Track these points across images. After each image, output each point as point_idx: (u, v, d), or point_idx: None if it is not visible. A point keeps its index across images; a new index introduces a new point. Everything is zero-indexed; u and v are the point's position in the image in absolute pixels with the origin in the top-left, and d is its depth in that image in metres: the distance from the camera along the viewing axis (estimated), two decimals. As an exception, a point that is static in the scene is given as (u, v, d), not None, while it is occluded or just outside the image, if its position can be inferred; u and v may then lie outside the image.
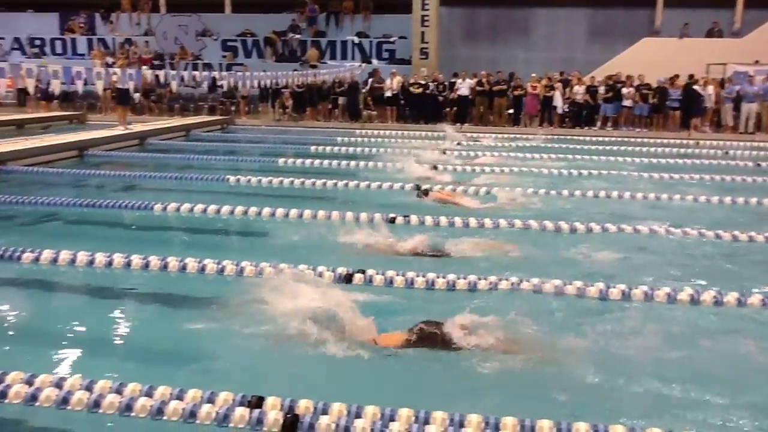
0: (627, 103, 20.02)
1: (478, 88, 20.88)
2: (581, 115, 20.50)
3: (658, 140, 18.04)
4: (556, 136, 18.83)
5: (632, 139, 18.21)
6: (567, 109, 20.51)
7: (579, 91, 20.26)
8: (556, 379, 4.30)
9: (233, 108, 22.74)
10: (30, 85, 12.73)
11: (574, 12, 24.73)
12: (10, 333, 4.93)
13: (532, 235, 7.79)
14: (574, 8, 24.66)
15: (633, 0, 23.91)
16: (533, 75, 20.60)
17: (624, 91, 19.95)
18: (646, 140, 18.05)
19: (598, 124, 20.39)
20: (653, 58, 20.47)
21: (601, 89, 20.20)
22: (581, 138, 18.60)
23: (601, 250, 7.08)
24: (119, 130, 16.12)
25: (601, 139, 18.49)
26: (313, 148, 15.33)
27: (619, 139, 18.46)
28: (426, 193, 9.70)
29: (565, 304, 5.65)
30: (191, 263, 6.24)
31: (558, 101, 20.23)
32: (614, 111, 20.23)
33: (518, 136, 18.75)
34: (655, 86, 19.75)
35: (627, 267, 6.65)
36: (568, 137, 18.77)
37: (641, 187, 10.89)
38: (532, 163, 13.68)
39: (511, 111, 21.10)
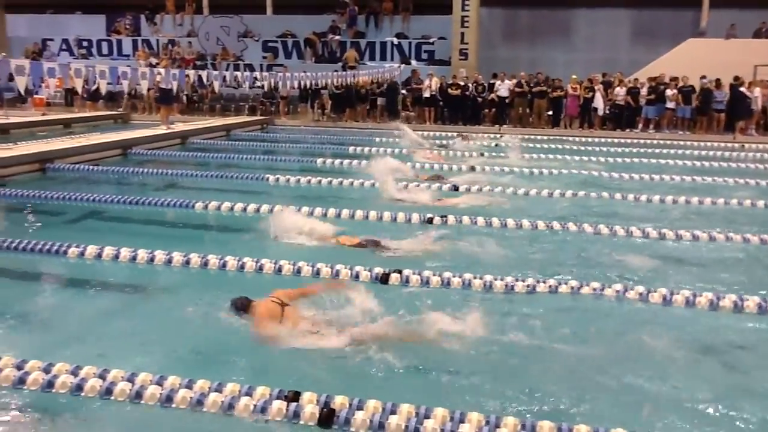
0: (670, 105, 19.67)
1: (518, 90, 20.74)
2: (622, 117, 20.21)
3: (702, 143, 17.68)
4: (595, 138, 18.62)
5: (675, 142, 17.89)
6: (608, 111, 20.23)
7: (620, 92, 19.97)
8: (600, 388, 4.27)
9: (273, 108, 22.99)
10: (78, 85, 13.04)
11: (616, 13, 24.39)
12: (56, 325, 5.07)
13: (569, 237, 7.72)
14: (616, 9, 24.32)
15: (678, 0, 23.47)
16: (573, 76, 20.37)
17: (668, 92, 19.60)
18: (689, 143, 17.72)
19: (640, 126, 20.07)
20: (698, 59, 20.05)
21: (644, 91, 19.87)
22: (621, 140, 18.33)
23: (640, 256, 6.98)
24: (162, 130, 16.44)
25: (642, 141, 18.21)
26: (351, 148, 15.42)
27: (662, 141, 18.15)
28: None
29: (609, 307, 5.59)
30: (231, 261, 6.34)
31: (599, 103, 19.97)
32: (657, 113, 19.89)
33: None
34: (699, 88, 19.36)
35: (666, 273, 6.53)
36: (608, 139, 18.53)
37: (684, 190, 10.70)
38: (570, 164, 13.55)
39: (550, 112, 20.91)
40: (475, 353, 4.63)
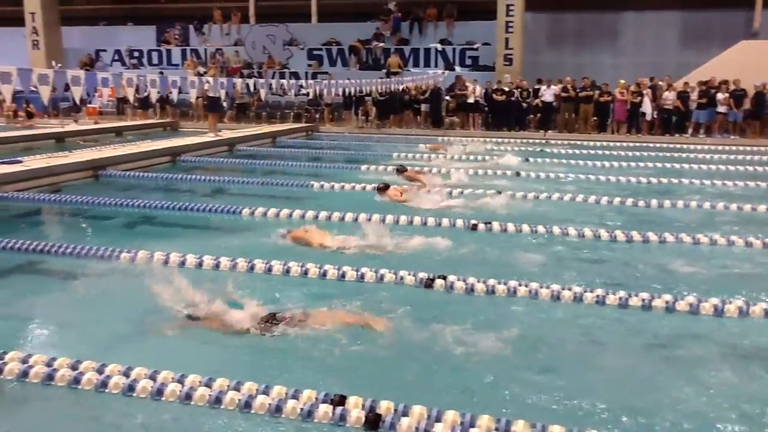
0: (721, 109, 19.19)
1: (563, 95, 20.51)
2: (671, 122, 19.79)
3: (754, 148, 17.20)
4: (644, 144, 18.29)
5: (726, 147, 17.44)
6: (656, 116, 19.85)
7: (669, 97, 19.56)
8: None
9: (318, 115, 23.22)
10: (130, 94, 13.40)
11: (665, 15, 23.94)
12: (108, 328, 5.20)
13: (616, 246, 7.60)
14: (665, 11, 23.88)
15: (729, 1, 22.89)
16: (621, 81, 20.05)
17: (719, 96, 19.13)
18: (741, 148, 17.26)
19: (690, 131, 19.62)
20: (751, 61, 19.51)
21: (694, 95, 19.43)
22: (671, 145, 17.96)
23: (690, 264, 6.83)
24: (210, 137, 16.76)
25: (692, 146, 17.82)
26: (395, 155, 15.46)
27: (712, 146, 17.73)
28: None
29: (658, 317, 5.49)
30: (276, 266, 6.42)
31: (647, 107, 19.60)
32: (707, 117, 19.42)
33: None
34: (752, 91, 18.85)
35: (717, 282, 6.37)
36: (657, 144, 18.18)
37: (736, 197, 10.43)
38: (618, 170, 13.34)
39: (594, 118, 20.60)
40: (520, 362, 4.60)
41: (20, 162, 11.34)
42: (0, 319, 5.25)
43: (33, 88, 12.12)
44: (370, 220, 8.46)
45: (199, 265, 6.57)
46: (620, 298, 5.67)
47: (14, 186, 10.18)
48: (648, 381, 4.37)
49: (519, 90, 21.06)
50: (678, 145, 18.01)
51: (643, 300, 5.64)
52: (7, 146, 15.43)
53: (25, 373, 4.22)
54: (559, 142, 18.67)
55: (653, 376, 4.46)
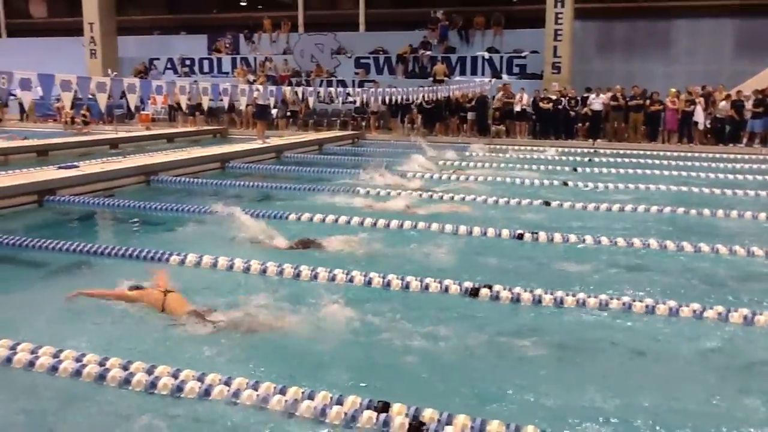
0: (779, 118, 18.63)
1: (613, 103, 20.19)
2: (725, 132, 19.28)
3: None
4: (696, 153, 17.87)
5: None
6: (709, 125, 19.37)
7: (723, 106, 19.07)
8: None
9: (364, 123, 23.35)
10: (182, 101, 13.73)
11: (719, 23, 23.37)
12: (156, 330, 5.31)
13: (666, 257, 7.45)
14: (720, 19, 23.30)
15: (787, 8, 22.26)
16: (673, 89, 19.64)
17: (775, 105, 18.58)
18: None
19: (744, 140, 19.09)
20: (810, 70, 18.94)
21: (749, 104, 18.90)
22: (724, 155, 17.51)
23: (746, 276, 6.65)
24: (258, 144, 17.03)
25: (746, 156, 17.33)
26: (440, 162, 15.43)
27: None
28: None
29: (708, 328, 5.36)
30: (322, 272, 6.47)
31: (699, 116, 19.15)
32: (763, 127, 18.85)
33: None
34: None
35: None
36: (710, 154, 17.74)
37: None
38: (669, 179, 13.08)
39: (644, 126, 20.22)
40: (567, 372, 4.54)
41: (77, 167, 11.71)
42: (53, 317, 5.41)
43: (90, 96, 12.52)
44: (416, 227, 8.48)
45: (247, 269, 6.67)
46: (670, 309, 5.56)
47: (71, 190, 10.51)
48: (701, 392, 4.27)
49: (567, 98, 20.82)
50: (732, 155, 17.54)
51: (694, 311, 5.52)
52: (65, 151, 15.97)
53: (78, 372, 4.35)
54: (608, 151, 18.38)
55: (705, 387, 4.35)
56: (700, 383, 4.42)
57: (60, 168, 11.55)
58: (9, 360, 4.51)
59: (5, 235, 7.69)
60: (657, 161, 16.19)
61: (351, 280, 6.33)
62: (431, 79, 23.95)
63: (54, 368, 4.40)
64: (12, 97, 17.77)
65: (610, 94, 20.27)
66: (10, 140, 17.41)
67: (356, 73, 26.06)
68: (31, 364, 4.46)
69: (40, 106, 25.45)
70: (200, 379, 4.20)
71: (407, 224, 8.53)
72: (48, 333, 5.04)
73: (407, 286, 6.17)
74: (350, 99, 20.64)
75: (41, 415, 4.01)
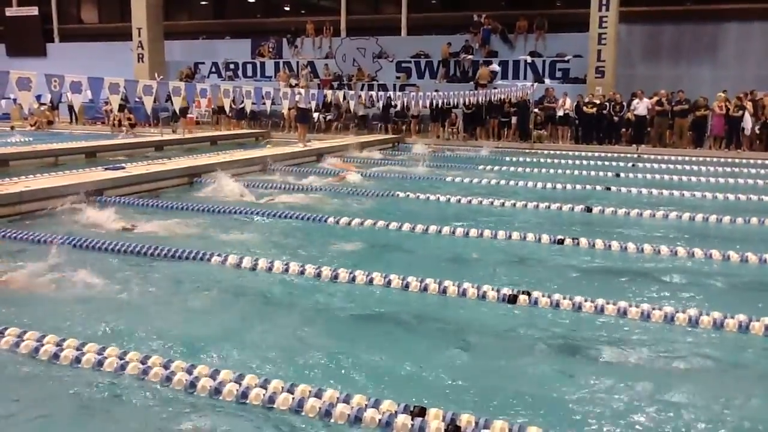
0: (832, 124, 18.05)
1: (658, 108, 19.80)
2: (775, 138, 18.77)
3: None
4: (744, 160, 17.42)
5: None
6: (758, 131, 18.85)
7: (774, 111, 18.56)
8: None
9: (404, 127, 23.37)
10: (226, 104, 13.95)
11: (770, 26, 22.76)
12: (197, 328, 5.40)
13: (715, 265, 7.28)
14: (770, 22, 22.70)
15: (844, 10, 21.55)
16: (719, 94, 19.17)
17: (830, 111, 18.01)
18: None
19: (796, 147, 18.55)
20: None
21: (801, 109, 18.37)
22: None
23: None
24: (299, 147, 17.18)
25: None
26: (480, 167, 15.36)
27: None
28: None
29: (754, 341, 5.22)
30: (360, 275, 6.49)
31: (747, 122, 18.65)
32: (815, 133, 18.30)
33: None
34: None
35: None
36: (758, 161, 17.26)
37: None
38: (714, 186, 12.79)
39: (690, 132, 19.79)
40: (605, 379, 4.46)
41: (123, 168, 12.00)
42: (96, 317, 5.54)
43: (137, 99, 12.83)
44: (454, 233, 8.46)
45: (286, 270, 6.74)
46: (714, 320, 5.43)
47: (117, 191, 10.76)
48: (748, 404, 4.17)
49: (611, 103, 20.51)
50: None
51: (740, 322, 5.38)
52: (112, 153, 16.40)
53: (122, 367, 4.44)
54: (653, 156, 18.05)
55: (752, 399, 4.25)
56: (746, 396, 4.31)
57: (107, 169, 11.84)
58: (56, 356, 4.63)
59: (56, 234, 7.91)
60: (703, 167, 15.83)
61: (388, 283, 6.33)
62: (473, 82, 23.86)
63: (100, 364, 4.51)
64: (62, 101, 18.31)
65: (655, 99, 19.89)
66: None
67: (397, 77, 26.12)
68: (77, 360, 4.58)
69: (89, 109, 26.15)
70: (237, 381, 4.25)
71: (445, 230, 8.50)
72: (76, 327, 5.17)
73: (444, 291, 6.15)
74: (392, 103, 20.67)
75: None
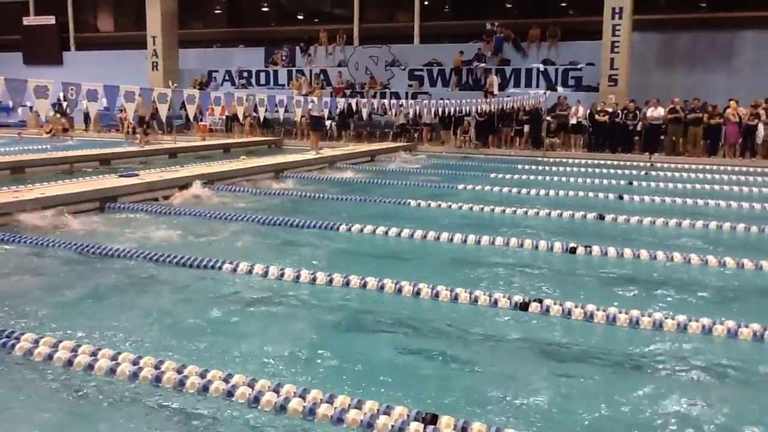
0: None
1: (671, 116, 19.71)
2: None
3: None
4: (758, 168, 17.30)
5: None
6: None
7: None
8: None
9: (416, 135, 23.40)
10: (240, 112, 14.03)
11: (787, 34, 22.59)
12: (206, 333, 5.43)
13: (728, 272, 7.23)
14: (787, 30, 22.54)
15: None
16: (733, 102, 19.05)
17: None
18: None
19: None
20: None
21: (817, 118, 18.22)
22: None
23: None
24: (312, 155, 17.25)
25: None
26: (492, 175, 15.34)
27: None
28: None
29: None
30: (371, 282, 6.51)
31: (761, 130, 18.52)
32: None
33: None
34: None
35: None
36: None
37: None
38: (729, 195, 12.70)
39: (704, 140, 19.68)
40: (620, 390, 4.45)
41: (137, 175, 12.09)
42: (110, 323, 5.58)
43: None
44: (466, 241, 8.45)
45: (297, 278, 6.75)
46: (728, 329, 5.39)
47: (131, 197, 10.85)
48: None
49: (624, 111, 20.44)
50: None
51: (755, 331, 5.34)
52: (126, 160, 16.53)
53: (135, 375, 4.48)
54: (666, 164, 17.97)
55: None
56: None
57: (121, 176, 11.94)
58: (70, 362, 4.67)
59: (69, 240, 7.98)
60: (717, 176, 15.74)
61: (399, 291, 6.34)
62: (483, 91, 23.86)
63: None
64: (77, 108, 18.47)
65: (669, 107, 19.80)
66: None
67: (410, 85, 26.17)
68: (90, 366, 4.62)
69: (104, 116, 26.38)
70: (250, 385, 4.27)
71: (457, 237, 8.49)
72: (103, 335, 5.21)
73: (456, 298, 6.15)
74: (404, 111, 20.72)
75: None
